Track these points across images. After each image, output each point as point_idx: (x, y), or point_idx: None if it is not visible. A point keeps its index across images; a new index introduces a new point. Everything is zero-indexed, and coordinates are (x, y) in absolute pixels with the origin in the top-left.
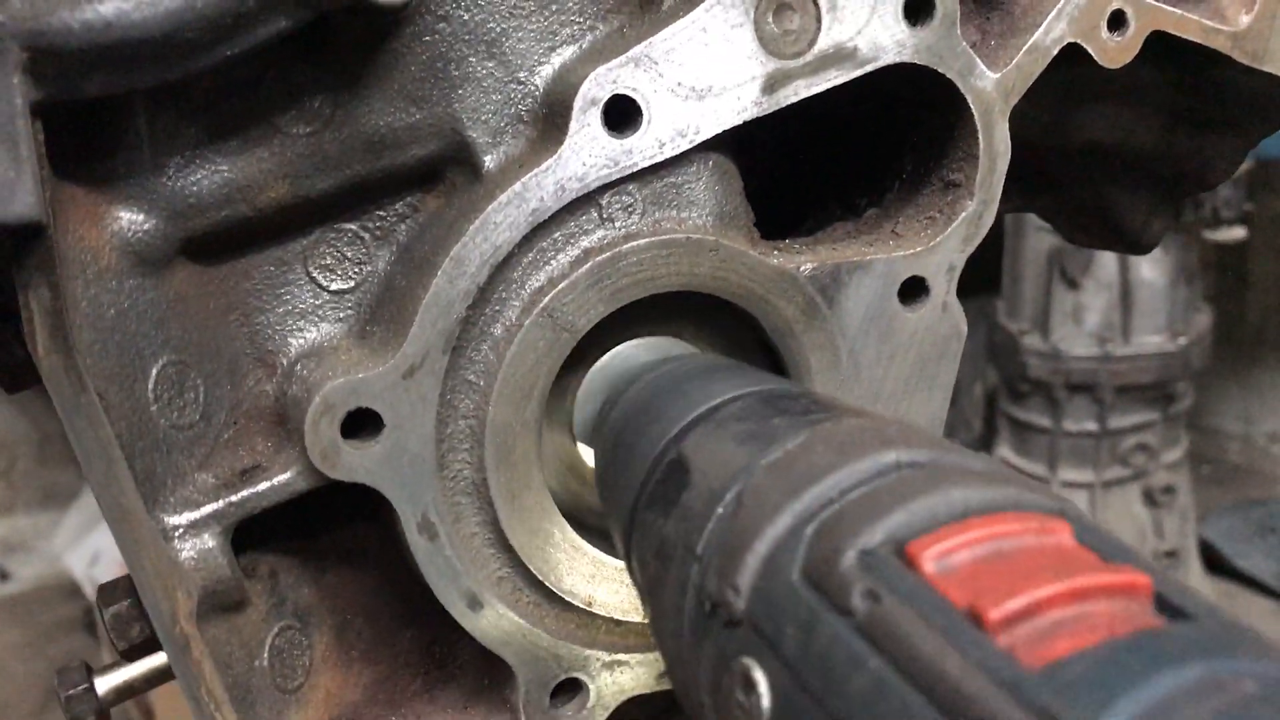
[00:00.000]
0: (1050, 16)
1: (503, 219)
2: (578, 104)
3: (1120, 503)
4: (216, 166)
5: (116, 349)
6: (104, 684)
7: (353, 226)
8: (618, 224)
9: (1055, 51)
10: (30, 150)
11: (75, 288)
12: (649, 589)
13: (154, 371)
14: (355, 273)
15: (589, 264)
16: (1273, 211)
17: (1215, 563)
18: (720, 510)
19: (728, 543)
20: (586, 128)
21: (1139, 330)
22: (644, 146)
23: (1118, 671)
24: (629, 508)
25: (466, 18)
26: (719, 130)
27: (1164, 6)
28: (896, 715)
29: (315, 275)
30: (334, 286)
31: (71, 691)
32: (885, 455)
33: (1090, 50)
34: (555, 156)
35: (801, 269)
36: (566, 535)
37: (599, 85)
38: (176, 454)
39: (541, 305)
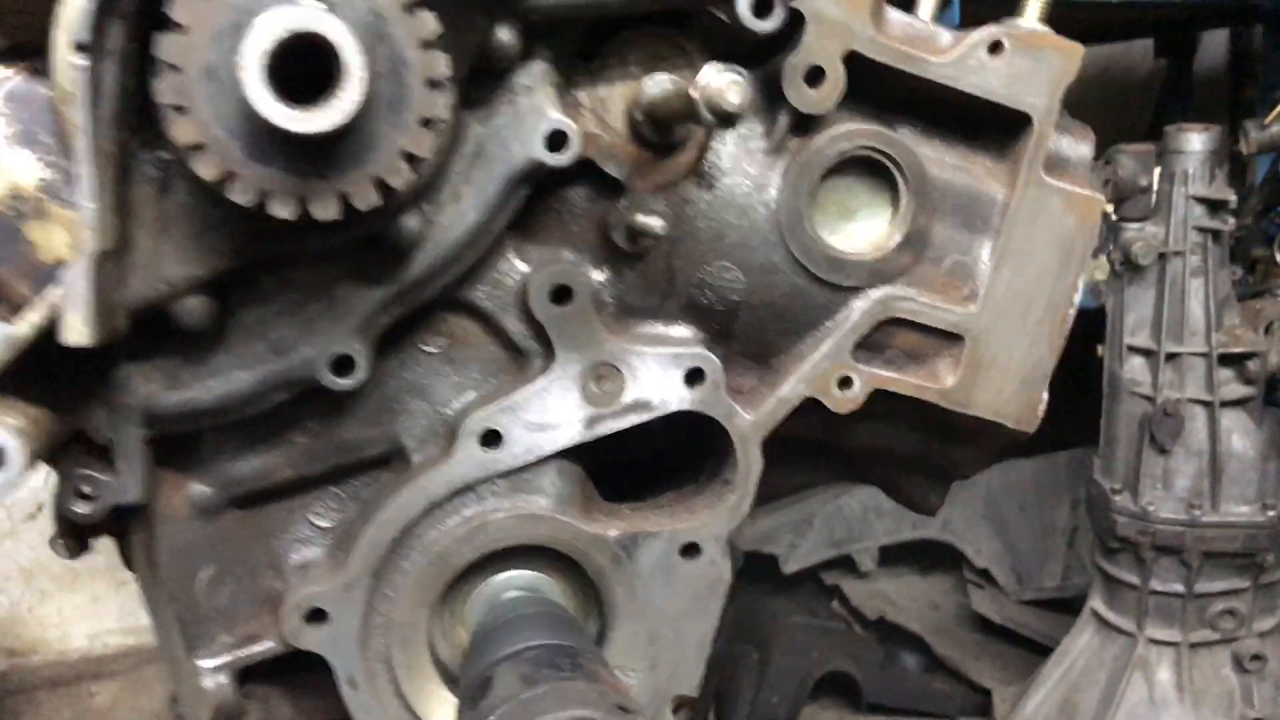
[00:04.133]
0: (793, 378)
1: (410, 499)
2: (462, 433)
3: (1208, 664)
4: (249, 460)
5: (181, 564)
6: None
7: (335, 489)
8: (487, 502)
9: (796, 402)
10: (140, 462)
11: (161, 529)
12: None
13: (203, 575)
14: (334, 517)
15: (466, 527)
16: None
17: None
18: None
19: None
20: (468, 448)
21: (1227, 499)
22: (504, 458)
23: None
24: (463, 697)
25: (408, 376)
26: (555, 449)
27: (882, 373)
28: None
29: (310, 518)
30: (320, 524)
31: None
32: (571, 712)
33: (824, 402)
34: (447, 463)
35: (610, 534)
36: (443, 692)
37: (476, 422)
38: (211, 625)
39: (435, 551)
